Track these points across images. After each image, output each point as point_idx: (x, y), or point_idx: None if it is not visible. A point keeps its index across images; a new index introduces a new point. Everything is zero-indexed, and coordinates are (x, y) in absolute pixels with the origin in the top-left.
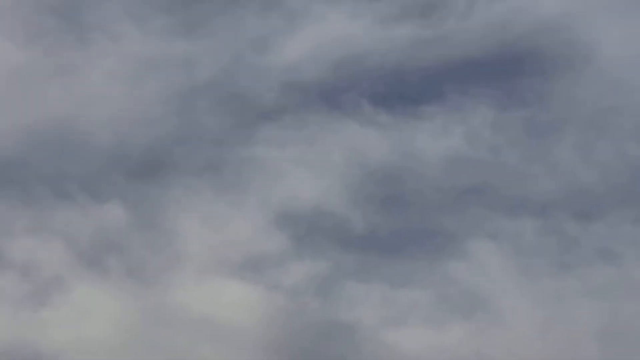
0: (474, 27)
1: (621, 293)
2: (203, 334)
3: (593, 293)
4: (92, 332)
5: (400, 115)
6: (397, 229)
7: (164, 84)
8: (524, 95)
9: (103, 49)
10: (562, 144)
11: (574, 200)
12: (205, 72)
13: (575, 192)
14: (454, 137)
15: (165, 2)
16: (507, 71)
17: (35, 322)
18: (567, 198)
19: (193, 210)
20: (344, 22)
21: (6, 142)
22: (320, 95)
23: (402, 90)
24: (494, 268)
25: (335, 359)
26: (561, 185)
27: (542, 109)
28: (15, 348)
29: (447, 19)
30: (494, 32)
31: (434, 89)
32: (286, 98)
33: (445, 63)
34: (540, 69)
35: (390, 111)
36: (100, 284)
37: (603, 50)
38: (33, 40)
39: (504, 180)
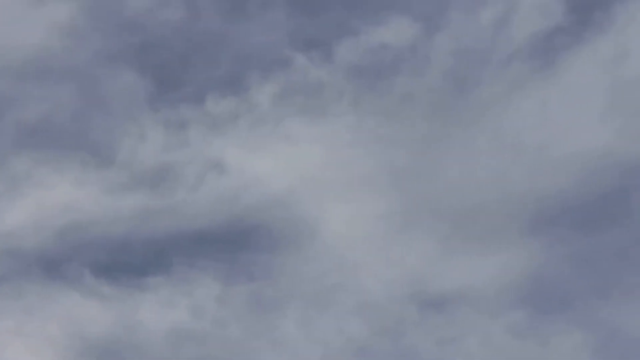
0: (203, 200)
1: None
2: None
3: None
4: None
5: (124, 286)
6: None
7: None
8: (250, 269)
9: None
10: (285, 320)
11: None
12: None
13: None
14: (178, 310)
15: None
16: (234, 245)
17: None
18: None
19: None
20: (68, 189)
21: None
22: (41, 264)
23: (127, 260)
24: None
25: None
26: None
27: (267, 284)
28: None
29: (176, 191)
30: (222, 206)
31: (160, 260)
32: (3, 266)
33: (172, 234)
34: (266, 244)
35: (114, 282)
36: None
37: (326, 228)
38: None
39: (228, 355)
